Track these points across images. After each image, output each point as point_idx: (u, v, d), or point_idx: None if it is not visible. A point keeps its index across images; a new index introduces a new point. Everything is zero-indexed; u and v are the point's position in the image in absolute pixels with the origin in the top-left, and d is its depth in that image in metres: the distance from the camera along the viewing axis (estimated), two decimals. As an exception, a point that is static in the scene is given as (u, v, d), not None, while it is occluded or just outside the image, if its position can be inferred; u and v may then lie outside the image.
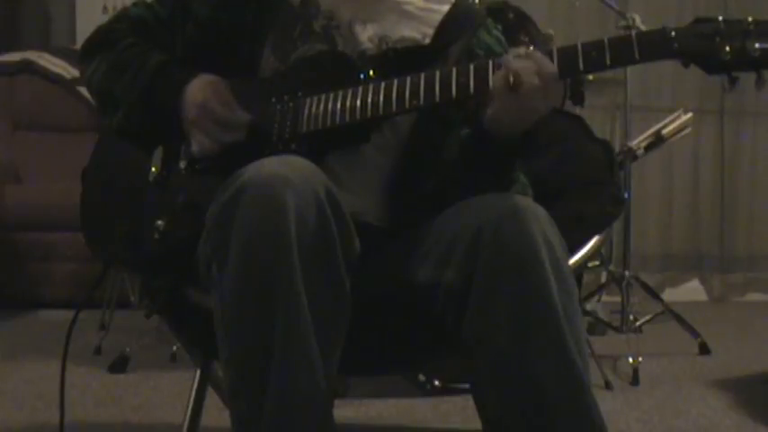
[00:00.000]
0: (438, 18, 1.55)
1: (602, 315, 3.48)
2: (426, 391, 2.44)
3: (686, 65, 1.26)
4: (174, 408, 2.27)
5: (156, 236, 1.42)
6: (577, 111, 3.21)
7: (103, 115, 1.53)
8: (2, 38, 4.62)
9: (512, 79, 1.27)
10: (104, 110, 1.52)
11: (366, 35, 1.51)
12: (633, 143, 3.10)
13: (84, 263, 3.67)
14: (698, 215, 4.90)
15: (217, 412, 1.85)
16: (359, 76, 1.39)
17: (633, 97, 3.51)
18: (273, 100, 1.43)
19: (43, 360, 2.79)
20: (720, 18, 1.24)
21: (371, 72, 1.39)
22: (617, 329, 3.17)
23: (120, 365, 2.71)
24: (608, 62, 1.26)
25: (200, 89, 1.42)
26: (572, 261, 1.72)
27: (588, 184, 1.99)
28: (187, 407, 1.66)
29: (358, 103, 1.35)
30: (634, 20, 3.13)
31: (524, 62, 1.28)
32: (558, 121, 2.07)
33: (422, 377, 2.44)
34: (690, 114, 3.10)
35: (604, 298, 3.69)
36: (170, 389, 2.52)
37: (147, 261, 1.44)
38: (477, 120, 1.36)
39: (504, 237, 1.23)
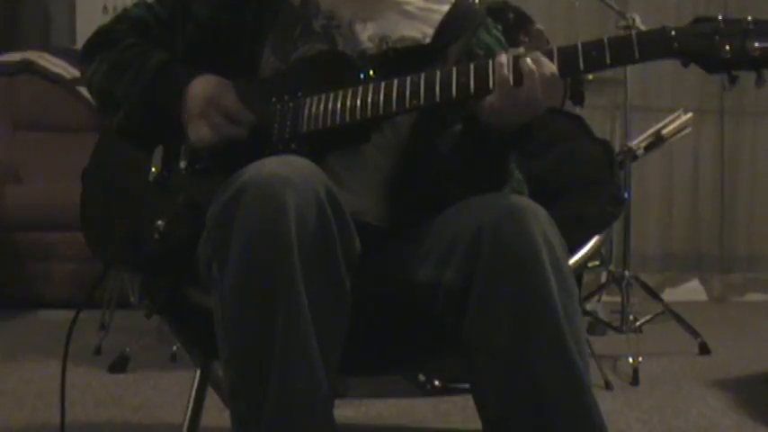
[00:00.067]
0: (438, 18, 1.55)
1: (602, 315, 3.48)
2: (426, 391, 2.44)
3: (686, 65, 1.26)
4: (174, 408, 2.27)
5: (156, 236, 1.42)
6: (577, 111, 3.21)
7: (104, 115, 1.53)
8: (2, 38, 4.62)
9: (511, 77, 1.27)
10: (105, 110, 1.52)
11: (366, 35, 1.51)
12: (633, 143, 3.09)
13: (84, 263, 3.68)
14: (698, 215, 4.90)
15: (217, 412, 1.86)
16: (359, 76, 1.39)
17: (633, 97, 3.51)
18: (273, 100, 1.43)
19: (43, 360, 2.79)
20: (720, 17, 1.24)
21: (371, 72, 1.39)
22: (617, 329, 3.17)
23: (120, 365, 2.71)
24: (608, 61, 1.26)
25: (207, 84, 1.43)
26: (572, 261, 1.72)
27: (588, 184, 1.99)
28: (187, 407, 1.66)
29: (358, 102, 1.35)
30: (634, 20, 3.13)
31: (525, 61, 1.28)
32: (558, 121, 2.07)
33: (422, 377, 2.44)
34: (690, 114, 3.10)
35: (604, 298, 3.69)
36: (170, 389, 2.52)
37: (147, 261, 1.44)
38: (471, 112, 1.36)
39: (504, 237, 1.23)
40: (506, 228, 1.23)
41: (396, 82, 1.34)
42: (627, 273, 3.22)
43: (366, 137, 1.40)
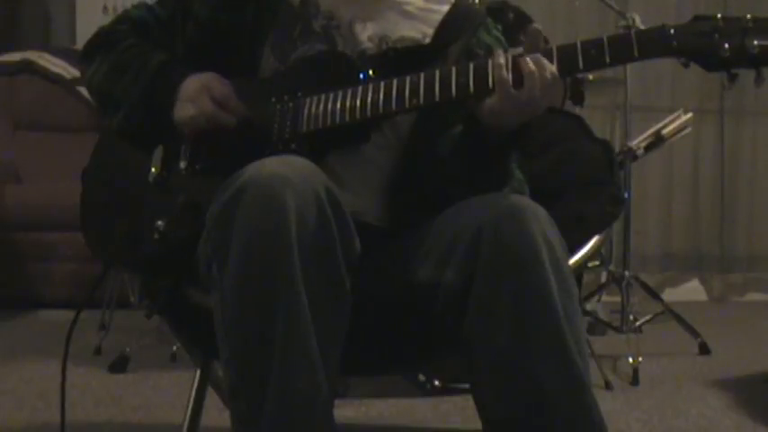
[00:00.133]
0: (438, 18, 1.55)
1: (602, 315, 3.48)
2: (426, 391, 2.44)
3: (686, 64, 1.26)
4: (174, 408, 2.27)
5: (156, 236, 1.42)
6: (577, 111, 3.21)
7: (104, 116, 1.53)
8: (2, 38, 4.62)
9: (511, 78, 1.27)
10: (105, 110, 1.52)
11: (366, 35, 1.51)
12: (633, 143, 3.10)
13: (84, 263, 3.68)
14: (698, 215, 4.90)
15: (217, 412, 1.86)
16: (359, 76, 1.39)
17: (633, 97, 3.51)
18: (273, 100, 1.43)
19: (43, 360, 2.79)
20: (719, 15, 1.24)
21: (371, 72, 1.39)
22: (617, 329, 3.17)
23: (120, 365, 2.71)
24: (607, 60, 1.26)
25: (201, 75, 1.44)
26: (572, 261, 1.72)
27: (588, 184, 1.99)
28: (187, 407, 1.66)
29: (358, 102, 1.35)
30: (634, 20, 3.13)
31: (525, 61, 1.28)
32: (558, 121, 2.07)
33: (422, 377, 2.44)
34: (690, 114, 3.10)
35: (604, 298, 3.69)
36: (170, 389, 2.52)
37: (147, 261, 1.44)
38: (471, 113, 1.36)
39: (504, 237, 1.23)
40: (506, 228, 1.23)
41: (395, 82, 1.34)
42: (627, 273, 3.22)
43: (366, 137, 1.40)
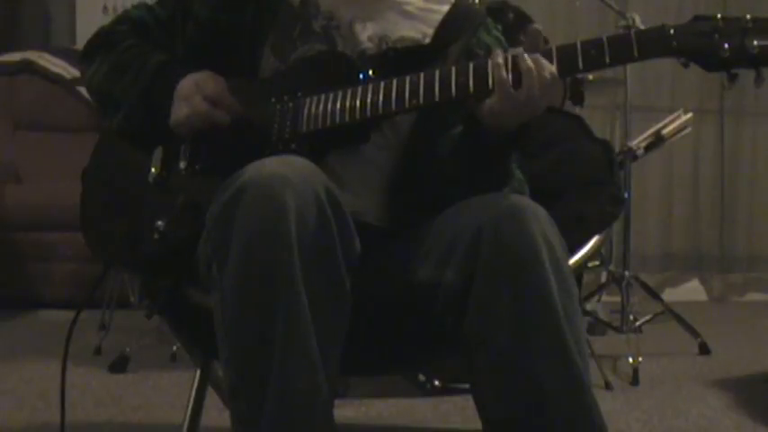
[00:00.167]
0: (438, 18, 1.55)
1: (602, 315, 3.48)
2: (426, 391, 2.44)
3: (686, 65, 1.26)
4: (174, 408, 2.27)
5: (156, 236, 1.42)
6: (577, 111, 3.21)
7: (104, 116, 1.53)
8: (2, 38, 4.62)
9: (511, 77, 1.27)
10: (105, 111, 1.52)
11: (366, 35, 1.51)
12: (633, 143, 3.10)
13: (84, 263, 3.68)
14: (698, 215, 4.90)
15: (217, 412, 1.86)
16: (359, 76, 1.39)
17: (633, 97, 3.51)
18: (273, 100, 1.43)
19: (43, 360, 2.79)
20: (719, 16, 1.24)
21: (371, 72, 1.39)
22: (617, 329, 3.17)
23: (120, 365, 2.71)
24: (607, 60, 1.26)
25: (195, 74, 1.43)
26: (572, 261, 1.72)
27: (588, 184, 1.99)
28: (187, 407, 1.66)
29: (357, 102, 1.35)
30: (634, 20, 3.14)
31: (524, 60, 1.28)
32: (558, 121, 2.07)
33: (422, 377, 2.44)
34: (690, 114, 3.10)
35: (604, 298, 3.69)
36: (170, 389, 2.52)
37: (147, 261, 1.44)
38: (471, 113, 1.36)
39: (504, 237, 1.23)
40: (506, 228, 1.23)
41: (395, 82, 1.34)
42: (627, 273, 3.22)
43: (366, 137, 1.40)
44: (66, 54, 4.43)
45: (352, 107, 1.35)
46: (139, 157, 1.52)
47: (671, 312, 3.24)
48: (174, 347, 2.80)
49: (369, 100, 1.34)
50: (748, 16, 1.22)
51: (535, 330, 1.21)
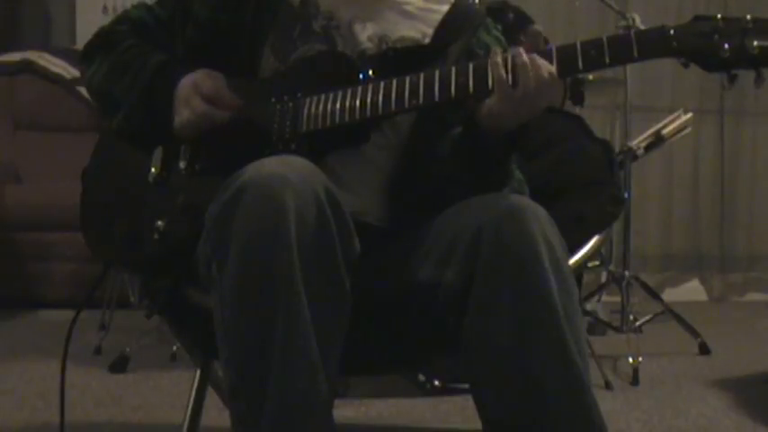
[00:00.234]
0: (438, 18, 1.55)
1: (602, 315, 3.48)
2: (426, 391, 2.44)
3: (686, 65, 1.26)
4: (174, 408, 2.27)
5: (156, 236, 1.42)
6: (577, 111, 3.21)
7: (104, 116, 1.53)
8: (2, 38, 4.62)
9: (510, 77, 1.27)
10: (105, 111, 1.52)
11: (366, 35, 1.51)
12: (633, 143, 3.10)
13: (84, 263, 3.68)
14: (698, 215, 4.90)
15: (217, 412, 1.86)
16: (358, 76, 1.39)
17: (633, 97, 3.51)
18: (273, 100, 1.43)
19: (43, 360, 2.79)
20: (719, 16, 1.24)
21: (371, 72, 1.39)
22: (617, 329, 3.17)
23: (120, 365, 2.71)
24: (607, 61, 1.26)
25: (193, 74, 1.43)
26: (572, 261, 1.72)
27: (588, 184, 1.99)
28: (187, 407, 1.65)
29: (357, 102, 1.35)
30: (634, 20, 3.13)
31: (520, 56, 1.28)
32: (558, 121, 2.06)
33: (422, 377, 2.44)
34: (690, 114, 3.10)
35: (604, 298, 3.69)
36: (170, 389, 2.52)
37: (147, 261, 1.45)
38: (470, 114, 1.36)
39: (504, 237, 1.23)
40: (506, 228, 1.23)
41: (395, 82, 1.34)
42: (627, 273, 3.22)
43: (366, 137, 1.40)
44: (66, 54, 4.43)
45: (352, 107, 1.35)
46: (139, 157, 1.52)
47: (671, 312, 3.24)
48: (174, 347, 2.80)
49: (369, 100, 1.34)
50: (748, 16, 1.22)
51: (535, 330, 1.21)
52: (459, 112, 1.43)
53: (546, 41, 2.77)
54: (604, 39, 1.27)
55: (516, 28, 2.72)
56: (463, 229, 1.28)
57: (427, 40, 1.52)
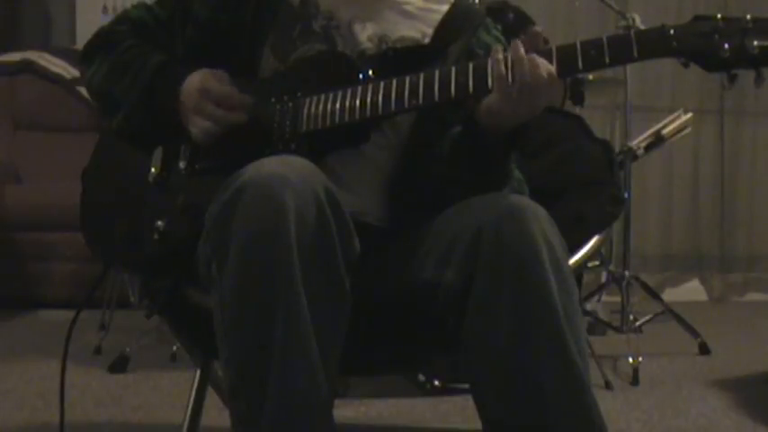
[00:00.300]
0: (438, 18, 1.55)
1: (602, 315, 3.48)
2: (426, 391, 2.44)
3: (686, 65, 1.26)
4: (174, 408, 2.27)
5: (156, 236, 1.42)
6: (577, 111, 3.21)
7: (104, 116, 1.53)
8: (2, 38, 4.62)
9: (510, 76, 1.27)
10: (105, 111, 1.52)
11: (365, 35, 1.51)
12: (633, 143, 3.10)
13: (84, 263, 3.67)
14: (698, 215, 4.90)
15: (217, 412, 1.86)
16: (358, 76, 1.39)
17: (633, 97, 3.51)
18: (273, 100, 1.43)
19: (43, 360, 2.79)
20: (719, 16, 1.24)
21: (371, 72, 1.39)
22: (617, 329, 3.17)
23: (120, 365, 2.71)
24: (607, 61, 1.26)
25: (197, 77, 1.43)
26: (572, 261, 1.72)
27: (588, 184, 1.99)
28: (187, 407, 1.66)
29: (357, 102, 1.35)
30: (634, 20, 3.13)
31: (518, 51, 1.27)
32: (558, 121, 2.06)
33: (422, 377, 2.44)
34: (690, 114, 3.10)
35: (604, 298, 3.69)
36: (170, 389, 2.52)
37: (147, 261, 1.45)
38: (470, 113, 1.36)
39: (505, 237, 1.23)
40: (506, 228, 1.23)
41: (395, 82, 1.34)
42: (627, 273, 3.22)
43: (366, 137, 1.40)
44: (67, 54, 4.43)
45: (352, 107, 1.35)
46: (139, 157, 1.52)
47: (671, 312, 3.24)
48: (174, 347, 2.80)
49: (368, 100, 1.34)
50: (748, 16, 1.22)
51: (535, 330, 1.21)
52: (459, 111, 1.43)
53: (546, 41, 2.77)
54: (604, 39, 1.26)
55: (516, 28, 2.72)
56: (463, 229, 1.28)
57: (427, 40, 1.52)
